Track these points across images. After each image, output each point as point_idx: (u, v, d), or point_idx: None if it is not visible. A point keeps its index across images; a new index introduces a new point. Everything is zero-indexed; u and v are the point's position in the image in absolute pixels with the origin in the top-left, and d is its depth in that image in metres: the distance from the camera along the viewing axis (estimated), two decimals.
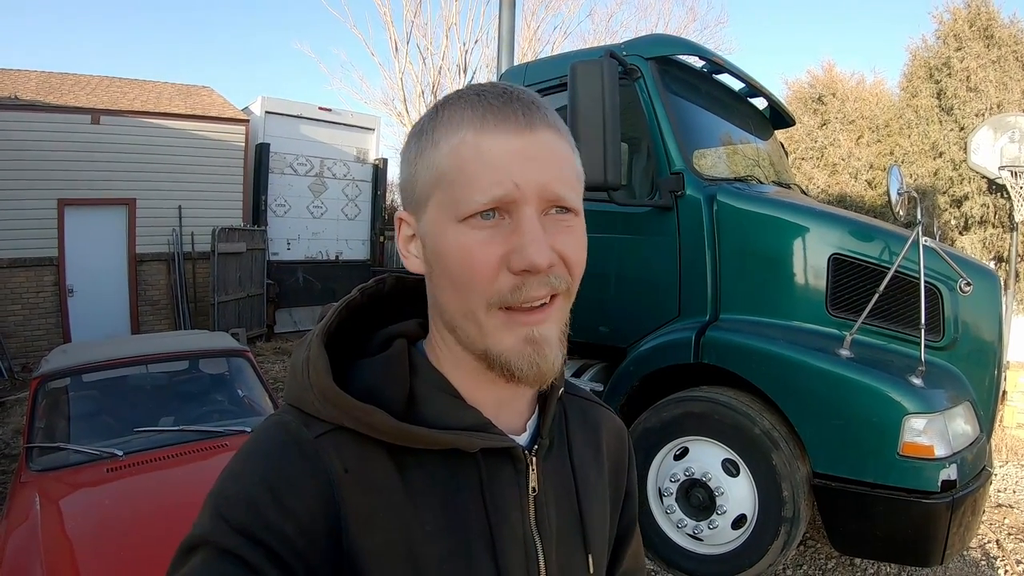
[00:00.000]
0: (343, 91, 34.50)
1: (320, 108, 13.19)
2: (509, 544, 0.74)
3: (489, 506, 0.73)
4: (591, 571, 0.83)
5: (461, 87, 0.80)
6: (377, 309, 0.84)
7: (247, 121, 12.43)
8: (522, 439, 0.79)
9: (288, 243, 13.01)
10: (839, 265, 3.41)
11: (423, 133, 0.72)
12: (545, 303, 0.69)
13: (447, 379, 0.75)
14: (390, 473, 0.69)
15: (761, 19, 38.85)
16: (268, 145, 12.32)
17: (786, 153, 5.64)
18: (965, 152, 8.22)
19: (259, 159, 12.29)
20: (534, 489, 0.78)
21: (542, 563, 0.77)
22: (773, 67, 43.95)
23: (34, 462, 3.26)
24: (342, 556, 0.66)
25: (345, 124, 13.59)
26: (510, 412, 0.79)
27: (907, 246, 3.10)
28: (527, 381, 0.70)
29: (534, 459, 0.78)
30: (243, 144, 12.32)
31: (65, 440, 3.49)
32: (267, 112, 12.49)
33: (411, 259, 0.76)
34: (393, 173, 15.25)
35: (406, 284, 0.86)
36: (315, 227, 13.40)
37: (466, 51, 17.49)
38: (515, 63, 6.33)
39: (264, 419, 0.76)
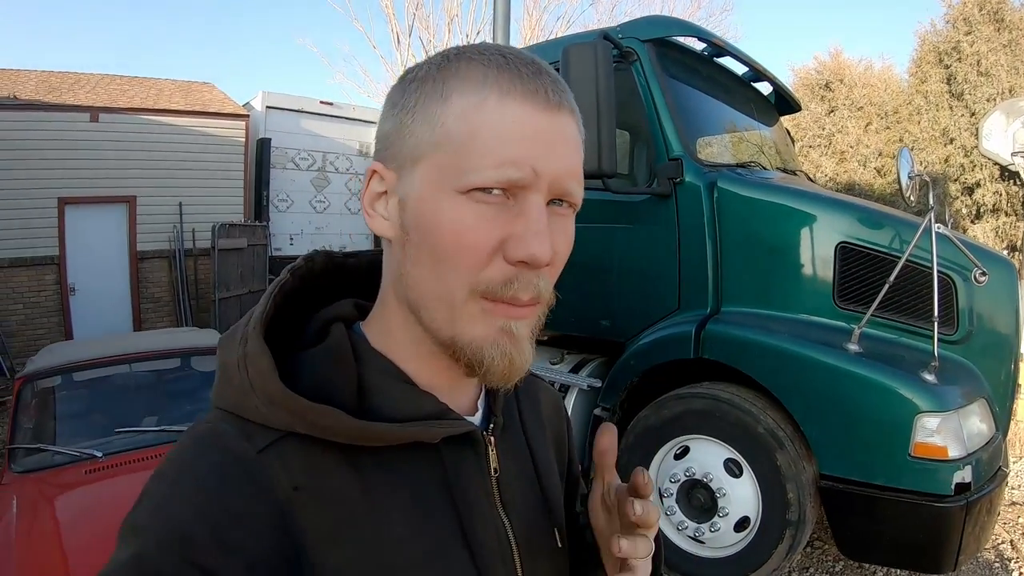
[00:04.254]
0: (346, 85, 34.46)
1: (322, 102, 13.06)
2: (482, 531, 0.69)
3: (456, 496, 0.68)
4: (559, 545, 0.80)
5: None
6: (306, 291, 0.75)
7: (247, 116, 12.34)
8: (475, 419, 0.75)
9: (291, 238, 12.83)
10: (847, 254, 3.23)
11: (427, 80, 0.63)
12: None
13: (396, 364, 0.69)
14: (347, 479, 0.62)
15: (767, 5, 38.56)
16: (269, 140, 12.20)
17: (792, 140, 5.47)
18: (976, 138, 8.04)
19: (260, 154, 12.18)
20: (495, 470, 0.74)
21: (514, 544, 0.73)
22: (779, 54, 43.59)
23: (16, 463, 3.26)
24: None
25: (347, 118, 13.40)
26: (463, 393, 0.74)
27: (918, 233, 2.92)
28: (495, 375, 0.64)
29: (492, 439, 0.74)
30: (243, 139, 12.23)
31: (49, 441, 3.47)
32: (268, 107, 12.36)
33: (377, 219, 0.68)
34: None
35: (335, 261, 0.78)
36: (318, 222, 13.23)
37: (468, 42, 17.32)
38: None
39: (190, 428, 0.64)
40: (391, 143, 0.65)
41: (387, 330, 0.70)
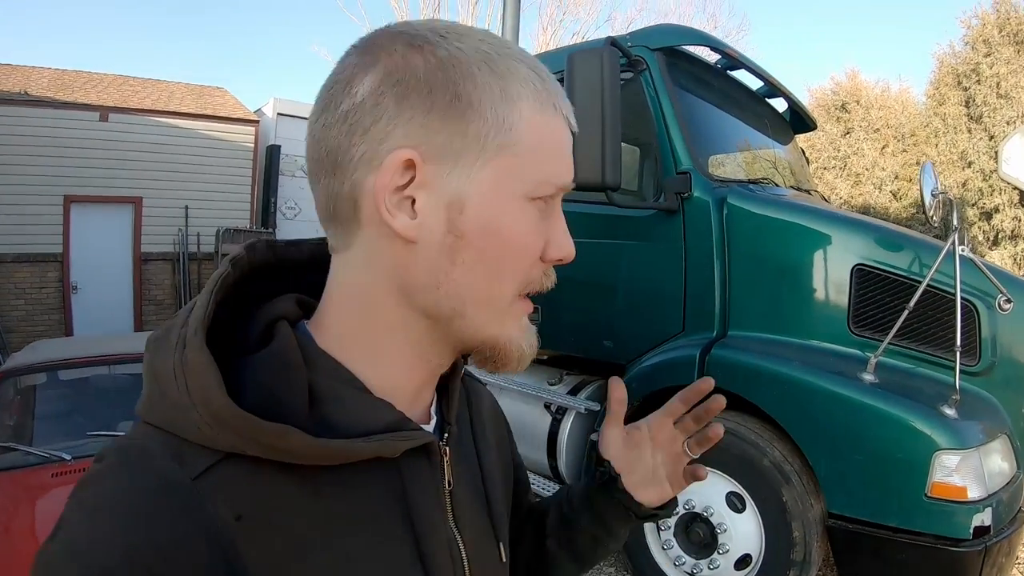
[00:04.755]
0: None
1: None
2: (436, 548, 0.65)
3: (412, 511, 0.63)
4: (503, 560, 0.78)
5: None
6: (245, 284, 0.66)
7: (257, 122, 12.39)
8: (430, 428, 0.70)
9: None
10: (863, 277, 3.04)
11: (476, 73, 0.58)
12: None
13: (348, 368, 0.62)
14: (297, 500, 0.55)
15: (784, 26, 38.59)
16: (279, 147, 12.25)
17: (807, 160, 5.29)
18: (996, 162, 7.85)
19: (269, 161, 12.20)
20: (449, 483, 0.70)
21: (465, 561, 0.69)
22: (796, 74, 43.56)
23: None
24: None
25: None
26: (422, 401, 0.70)
27: (942, 255, 2.73)
28: (517, 365, 0.66)
29: (447, 450, 0.71)
30: (252, 145, 12.24)
31: (26, 440, 3.45)
32: (279, 114, 12.46)
33: (399, 219, 0.58)
34: None
35: (276, 252, 0.71)
36: None
37: None
38: None
39: (113, 446, 0.54)
40: (430, 132, 0.57)
41: (338, 335, 0.63)
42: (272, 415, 0.52)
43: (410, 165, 0.57)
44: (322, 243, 0.70)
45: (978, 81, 9.00)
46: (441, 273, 0.59)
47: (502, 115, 0.58)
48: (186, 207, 11.49)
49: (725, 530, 2.95)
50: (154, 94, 12.72)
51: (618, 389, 0.88)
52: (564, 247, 0.64)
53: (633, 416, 2.98)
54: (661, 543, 3.16)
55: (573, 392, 3.84)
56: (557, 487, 3.86)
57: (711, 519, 2.98)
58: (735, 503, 2.98)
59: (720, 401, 0.86)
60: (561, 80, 3.26)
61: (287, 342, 0.59)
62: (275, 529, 0.53)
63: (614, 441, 0.89)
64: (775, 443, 2.90)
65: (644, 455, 0.89)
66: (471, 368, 0.79)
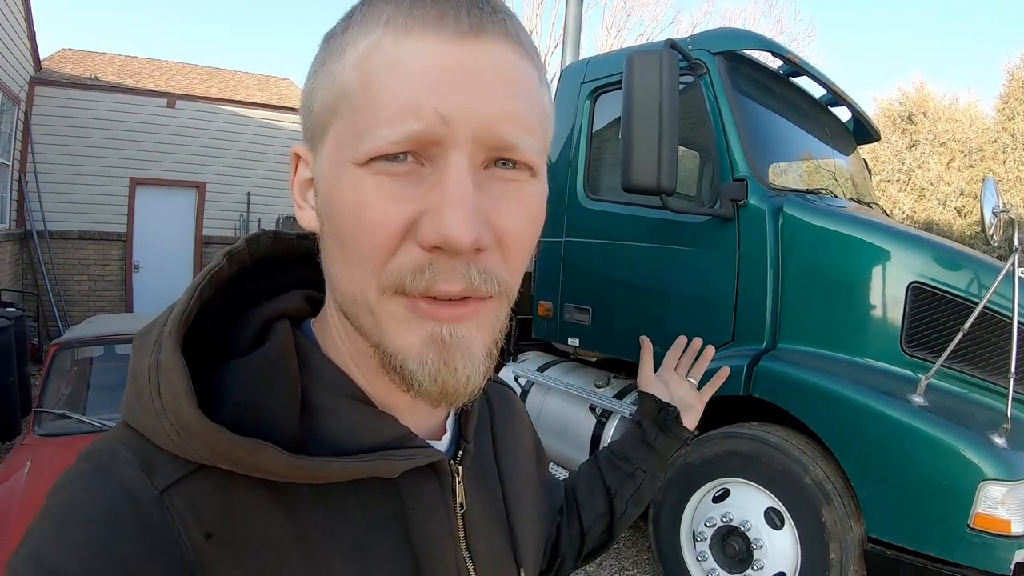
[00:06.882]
0: None
1: None
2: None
3: (415, 539, 0.56)
4: None
5: None
6: (249, 280, 0.61)
7: None
8: (443, 444, 0.63)
9: None
10: (919, 295, 2.94)
11: (332, 36, 0.51)
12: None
13: (350, 377, 0.56)
14: (276, 520, 0.50)
15: (851, 33, 37.73)
16: None
17: (869, 172, 5.15)
18: None
19: None
20: (462, 506, 0.62)
21: None
22: (862, 82, 42.48)
23: (40, 427, 3.44)
24: None
25: None
26: (428, 413, 0.61)
27: (1000, 276, 2.62)
28: (427, 397, 0.51)
29: (460, 468, 0.63)
30: None
31: (79, 409, 3.63)
32: None
33: (305, 211, 0.56)
34: None
35: (284, 244, 0.64)
36: None
37: (547, 55, 17.38)
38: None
39: (90, 448, 0.51)
40: (305, 117, 0.54)
41: (335, 337, 0.58)
42: (251, 427, 0.48)
43: (303, 161, 0.56)
44: None
45: None
46: (324, 263, 0.56)
47: (331, 70, 0.50)
48: (248, 193, 11.75)
49: (761, 546, 2.88)
50: (220, 83, 13.02)
51: (646, 341, 1.18)
52: (440, 226, 0.45)
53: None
54: (696, 554, 3.11)
55: (619, 396, 3.81)
56: None
57: (748, 534, 2.93)
58: (773, 519, 2.92)
59: (711, 350, 1.18)
60: (619, 82, 3.24)
61: (281, 345, 0.54)
62: (247, 549, 0.48)
63: (654, 382, 1.12)
64: (818, 461, 2.83)
65: (675, 390, 1.12)
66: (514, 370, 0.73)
